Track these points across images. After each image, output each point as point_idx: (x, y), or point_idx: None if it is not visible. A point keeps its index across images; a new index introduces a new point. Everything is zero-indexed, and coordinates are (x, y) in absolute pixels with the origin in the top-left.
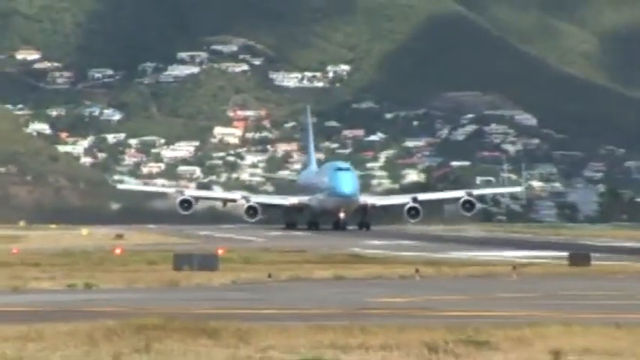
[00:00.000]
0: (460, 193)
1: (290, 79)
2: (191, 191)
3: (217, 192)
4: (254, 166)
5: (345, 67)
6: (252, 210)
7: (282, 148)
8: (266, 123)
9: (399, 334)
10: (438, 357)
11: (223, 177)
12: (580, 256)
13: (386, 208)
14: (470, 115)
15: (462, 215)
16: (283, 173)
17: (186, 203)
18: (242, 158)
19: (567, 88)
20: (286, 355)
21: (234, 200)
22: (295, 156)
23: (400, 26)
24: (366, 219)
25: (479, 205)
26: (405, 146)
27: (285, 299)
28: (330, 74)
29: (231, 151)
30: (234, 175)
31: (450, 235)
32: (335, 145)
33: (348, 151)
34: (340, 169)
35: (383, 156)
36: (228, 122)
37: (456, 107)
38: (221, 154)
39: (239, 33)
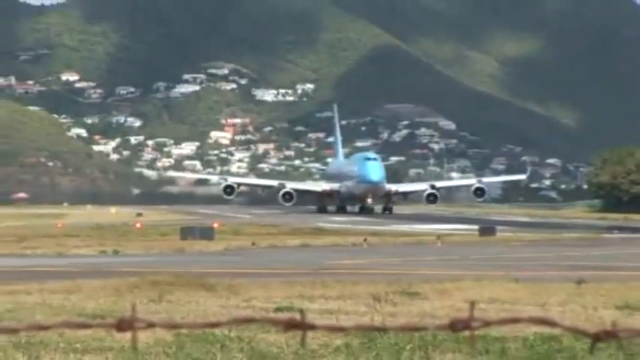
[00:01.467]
0: (472, 181)
1: (268, 95)
2: (234, 178)
3: (256, 179)
4: (240, 160)
5: (310, 86)
6: (288, 195)
7: (262, 147)
8: (250, 128)
9: (351, 287)
10: (381, 304)
11: (218, 169)
12: (487, 229)
13: (406, 194)
14: (405, 122)
15: (473, 200)
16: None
17: (229, 189)
18: (232, 155)
19: (478, 101)
20: (265, 304)
21: (271, 187)
22: (272, 152)
23: (352, 54)
24: (389, 204)
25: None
26: (355, 146)
27: (265, 261)
28: (299, 91)
29: (224, 150)
30: (226, 168)
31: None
32: (302, 145)
33: (312, 149)
34: (369, 158)
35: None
36: (221, 128)
37: (394, 116)
38: (216, 151)
39: (229, 60)
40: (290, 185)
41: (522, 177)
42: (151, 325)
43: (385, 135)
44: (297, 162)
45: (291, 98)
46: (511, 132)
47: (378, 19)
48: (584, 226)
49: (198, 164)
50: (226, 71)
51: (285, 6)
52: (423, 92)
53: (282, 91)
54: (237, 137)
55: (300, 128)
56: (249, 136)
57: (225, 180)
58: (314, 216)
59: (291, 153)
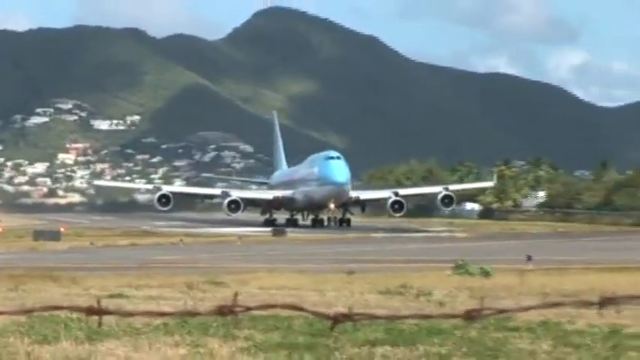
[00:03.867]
0: (438, 189)
1: (104, 125)
2: (169, 187)
3: (196, 188)
4: (82, 177)
5: (137, 117)
6: (234, 204)
7: (99, 166)
8: (89, 151)
9: (170, 278)
10: (194, 291)
11: (63, 184)
12: (279, 231)
13: (365, 203)
14: (212, 146)
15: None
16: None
17: (164, 198)
18: (75, 172)
19: (270, 130)
20: (100, 292)
21: (212, 196)
22: (107, 171)
23: (170, 92)
24: (346, 215)
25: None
26: (174, 165)
27: (101, 257)
28: (128, 121)
29: (69, 168)
30: (70, 183)
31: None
32: (131, 164)
33: (139, 168)
34: (331, 157)
35: (160, 171)
36: (66, 151)
37: (204, 141)
38: (62, 170)
39: (72, 97)
40: (235, 193)
41: (490, 184)
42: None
43: (197, 156)
44: (127, 178)
45: (122, 127)
46: (296, 153)
47: (192, 65)
48: (371, 229)
49: (48, 180)
50: (70, 106)
51: (117, 54)
52: (228, 122)
53: (114, 121)
54: (80, 158)
55: (129, 151)
56: (89, 158)
57: (159, 189)
58: (143, 220)
59: (123, 171)
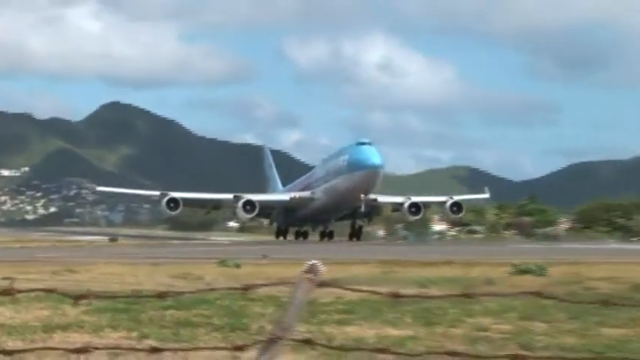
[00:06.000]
0: (444, 198)
1: (5, 172)
2: (178, 193)
3: (206, 194)
4: None
5: (27, 168)
6: (249, 205)
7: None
8: None
9: (43, 267)
10: (57, 276)
11: None
12: (114, 239)
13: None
14: (75, 186)
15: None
16: None
17: (172, 203)
18: None
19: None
20: None
21: (223, 200)
22: (8, 201)
23: (26, 161)
24: (358, 223)
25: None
26: (50, 198)
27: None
28: (22, 170)
29: None
30: None
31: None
32: (23, 197)
33: (28, 200)
34: (363, 143)
35: (42, 201)
36: None
37: (70, 183)
38: None
39: None
40: (247, 196)
41: (485, 196)
42: None
43: (64, 192)
44: (20, 205)
45: (17, 174)
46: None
47: (62, 136)
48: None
49: None
50: None
51: (12, 129)
52: (86, 172)
53: (13, 170)
54: None
55: (22, 189)
56: None
57: (166, 194)
58: (33, 232)
59: (18, 201)
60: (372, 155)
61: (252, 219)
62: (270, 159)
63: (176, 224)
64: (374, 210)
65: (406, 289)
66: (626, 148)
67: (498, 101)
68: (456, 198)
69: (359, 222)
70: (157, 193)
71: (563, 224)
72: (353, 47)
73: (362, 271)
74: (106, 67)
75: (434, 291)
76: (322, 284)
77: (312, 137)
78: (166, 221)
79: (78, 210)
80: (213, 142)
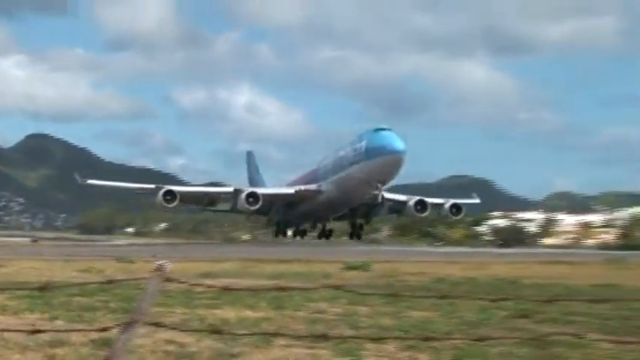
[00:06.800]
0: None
1: None
2: (177, 187)
3: (205, 187)
4: None
5: None
6: (252, 197)
7: None
8: None
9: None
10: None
11: None
12: (36, 240)
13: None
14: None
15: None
16: None
17: (169, 195)
18: None
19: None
20: None
21: (222, 193)
22: None
23: None
24: (359, 222)
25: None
26: None
27: None
28: None
29: None
30: None
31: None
32: None
33: None
34: (383, 129)
35: None
36: None
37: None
38: None
39: None
40: (250, 189)
41: (476, 201)
42: None
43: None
44: None
45: None
46: None
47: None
48: None
49: None
50: None
51: None
52: (15, 187)
53: None
54: None
55: None
56: None
57: (161, 187)
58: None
59: None
60: (394, 140)
61: (254, 212)
62: (256, 163)
63: (85, 229)
64: (374, 210)
65: (260, 280)
66: (432, 174)
67: (338, 137)
68: (462, 201)
69: (359, 220)
70: (152, 186)
71: (385, 232)
72: (225, 93)
73: (229, 266)
74: (32, 104)
75: (282, 282)
76: (168, 279)
77: (193, 162)
78: (77, 227)
79: (6, 218)
80: (116, 165)
